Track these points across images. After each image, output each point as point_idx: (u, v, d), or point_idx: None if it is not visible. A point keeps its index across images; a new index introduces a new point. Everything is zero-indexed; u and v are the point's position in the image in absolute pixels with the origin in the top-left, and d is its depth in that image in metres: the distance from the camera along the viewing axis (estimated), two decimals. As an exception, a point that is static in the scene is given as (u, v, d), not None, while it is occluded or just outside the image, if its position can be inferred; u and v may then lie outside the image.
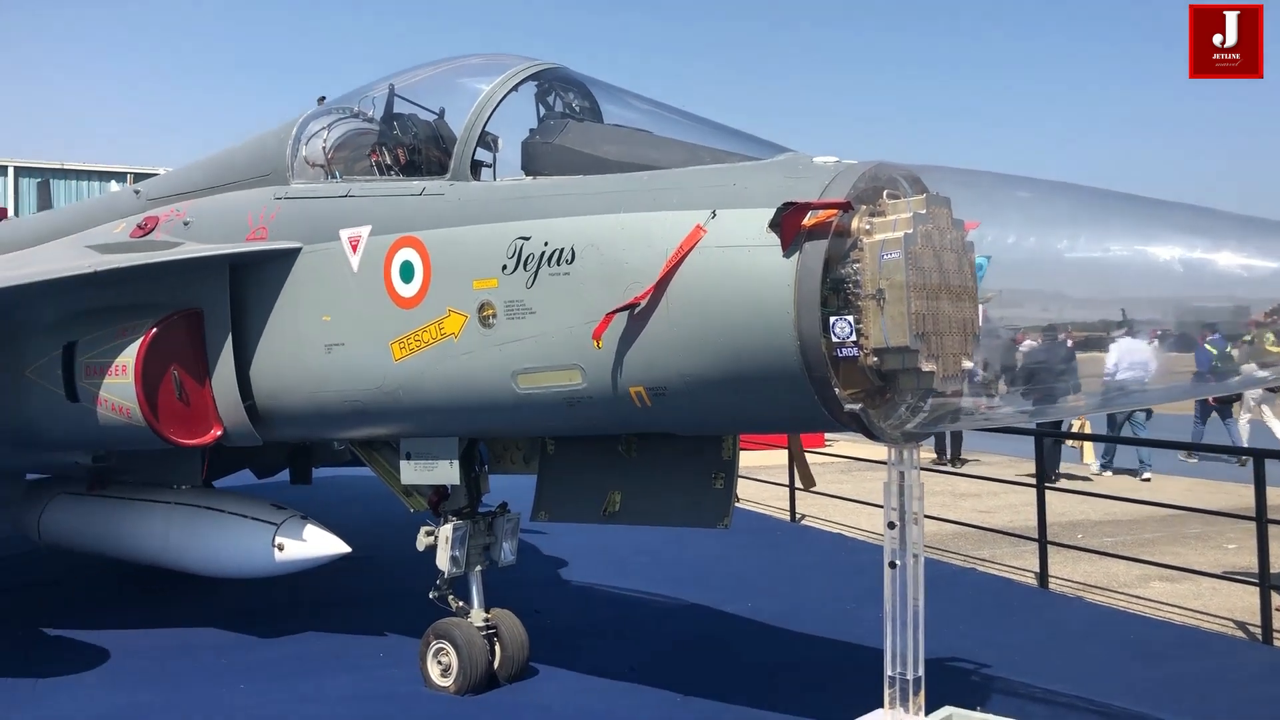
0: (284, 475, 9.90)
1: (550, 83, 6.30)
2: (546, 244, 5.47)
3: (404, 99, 6.87)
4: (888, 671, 5.23)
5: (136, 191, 8.62)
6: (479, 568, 6.77)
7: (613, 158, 5.75)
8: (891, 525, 5.18)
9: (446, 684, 6.46)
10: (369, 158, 6.77)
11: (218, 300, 6.90)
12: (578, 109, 6.30)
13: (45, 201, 11.44)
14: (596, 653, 7.25)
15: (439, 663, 6.53)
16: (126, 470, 8.87)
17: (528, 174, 5.97)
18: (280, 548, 7.47)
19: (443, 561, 6.57)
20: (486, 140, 6.20)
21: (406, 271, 6.09)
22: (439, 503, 6.85)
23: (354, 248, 6.35)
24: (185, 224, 7.53)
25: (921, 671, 5.20)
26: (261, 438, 7.10)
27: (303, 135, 7.11)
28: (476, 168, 6.18)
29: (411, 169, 6.61)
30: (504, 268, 5.63)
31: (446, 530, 6.57)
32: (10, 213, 12.22)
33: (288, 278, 6.65)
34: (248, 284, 6.87)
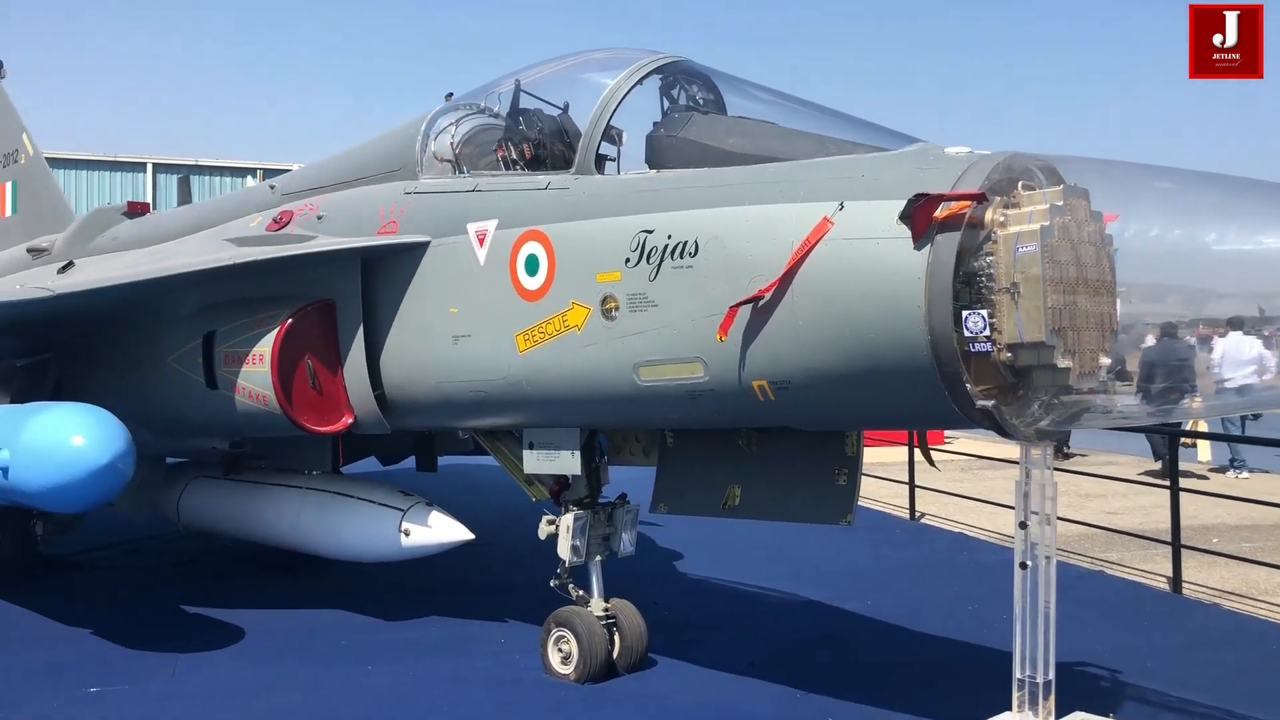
0: (410, 462, 10.13)
1: (674, 75, 6.31)
2: (670, 237, 5.49)
3: (529, 94, 6.95)
4: (1016, 674, 5.11)
5: (271, 187, 8.92)
6: (599, 558, 6.83)
7: (737, 150, 5.74)
8: (1023, 525, 5.06)
9: (567, 671, 6.54)
10: (495, 152, 6.88)
11: (349, 292, 7.10)
12: (701, 101, 6.30)
13: (185, 196, 11.95)
14: (714, 647, 7.24)
15: (559, 650, 6.61)
16: (260, 456, 9.21)
17: (651, 167, 5.99)
18: (406, 533, 7.65)
19: (564, 550, 6.65)
20: (611, 134, 6.24)
21: (531, 264, 6.17)
22: (560, 492, 6.92)
23: (480, 241, 6.47)
24: (319, 218, 7.76)
25: (1052, 675, 5.07)
26: (390, 426, 7.28)
27: (431, 131, 7.26)
28: (601, 161, 6.22)
29: (536, 163, 6.70)
30: (627, 261, 5.66)
31: (568, 520, 6.65)
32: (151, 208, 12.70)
33: (416, 270, 6.81)
34: (378, 276, 7.05)
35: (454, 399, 6.76)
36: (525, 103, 6.95)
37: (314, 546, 8.36)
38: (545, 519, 6.81)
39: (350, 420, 7.27)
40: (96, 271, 10.23)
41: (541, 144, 6.76)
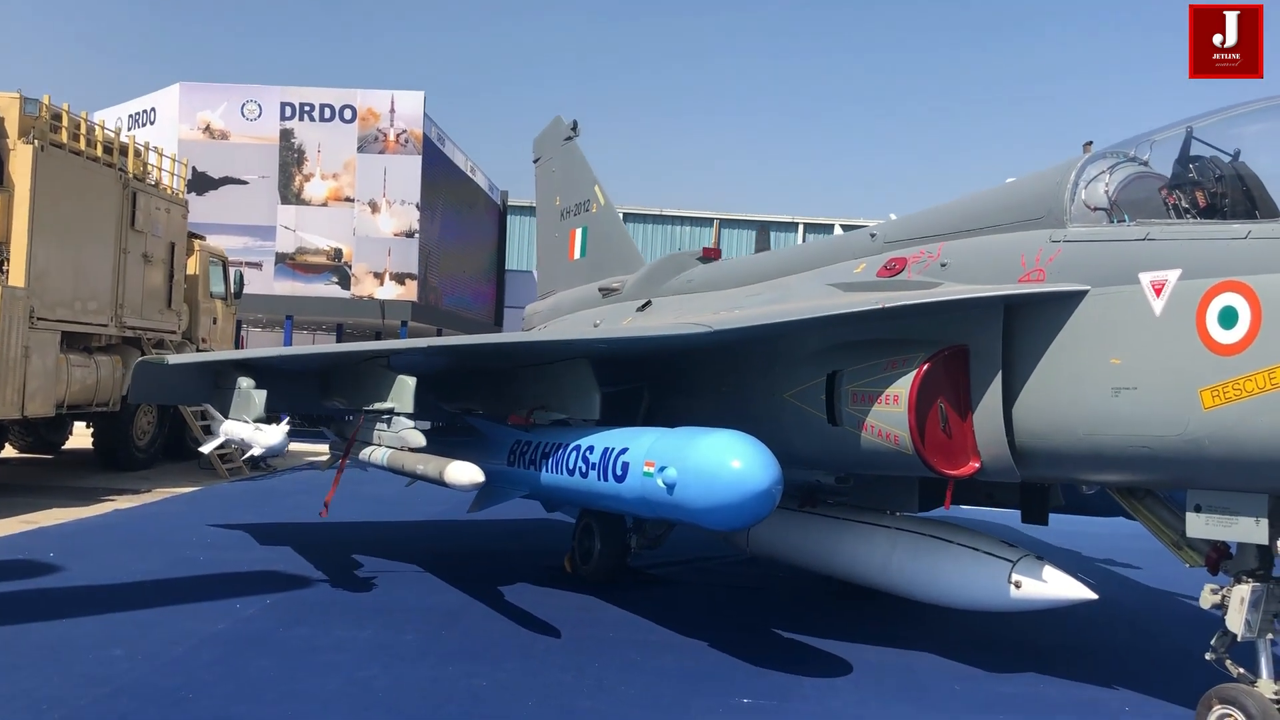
0: (994, 513, 10.01)
1: None
2: None
3: (1201, 141, 6.69)
4: None
5: (872, 235, 9.23)
6: (1270, 635, 6.33)
7: None
8: None
9: (1236, 754, 6.10)
10: (1164, 201, 6.67)
11: (988, 338, 7.15)
12: None
13: (764, 244, 12.79)
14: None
15: (1225, 730, 6.18)
16: (839, 493, 9.49)
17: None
18: (1017, 585, 7.54)
19: (1234, 623, 6.23)
20: None
21: (1228, 317, 5.88)
22: (1218, 560, 6.51)
23: (1157, 291, 6.27)
24: (942, 265, 7.90)
25: None
26: (1020, 475, 7.23)
27: (1081, 179, 7.18)
28: (1314, 208, 5.82)
29: (1211, 212, 6.42)
30: None
31: (1242, 591, 6.23)
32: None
33: (1069, 319, 6.72)
34: (1018, 323, 7.04)
35: (1107, 452, 6.56)
36: (1196, 150, 6.70)
37: (906, 588, 8.45)
38: (1209, 588, 6.43)
39: (977, 466, 7.31)
40: (674, 311, 11.15)
41: (1219, 192, 6.47)
